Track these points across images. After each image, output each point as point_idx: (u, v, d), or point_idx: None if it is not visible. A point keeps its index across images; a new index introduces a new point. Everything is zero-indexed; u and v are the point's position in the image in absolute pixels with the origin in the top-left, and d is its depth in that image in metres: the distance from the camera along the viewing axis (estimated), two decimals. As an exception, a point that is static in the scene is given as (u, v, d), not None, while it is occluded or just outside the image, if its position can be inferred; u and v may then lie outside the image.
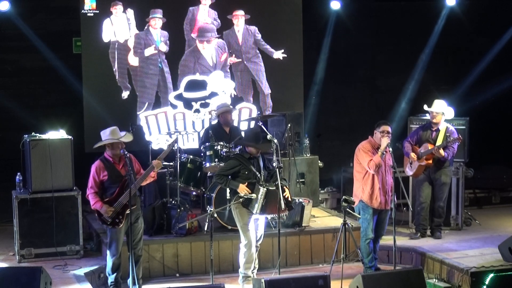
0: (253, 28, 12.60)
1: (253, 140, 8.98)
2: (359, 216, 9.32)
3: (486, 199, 12.64)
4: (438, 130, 10.29)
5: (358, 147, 9.20)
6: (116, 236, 8.62)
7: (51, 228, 9.65)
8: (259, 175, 8.89)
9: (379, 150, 8.99)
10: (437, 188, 10.41)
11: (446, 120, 10.45)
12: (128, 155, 8.52)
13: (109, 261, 8.71)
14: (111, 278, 8.74)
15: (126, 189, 8.45)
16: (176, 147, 10.09)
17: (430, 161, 10.26)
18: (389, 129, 9.07)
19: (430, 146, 10.21)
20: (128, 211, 8.51)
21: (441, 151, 10.11)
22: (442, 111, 10.28)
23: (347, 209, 9.27)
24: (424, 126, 10.50)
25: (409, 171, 10.48)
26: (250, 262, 8.87)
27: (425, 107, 10.40)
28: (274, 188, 8.79)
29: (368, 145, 9.13)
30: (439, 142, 10.20)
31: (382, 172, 9.07)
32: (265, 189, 8.75)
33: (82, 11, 11.81)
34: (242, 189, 8.77)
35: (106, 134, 8.63)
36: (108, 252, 8.74)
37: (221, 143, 10.18)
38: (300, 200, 10.34)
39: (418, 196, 10.54)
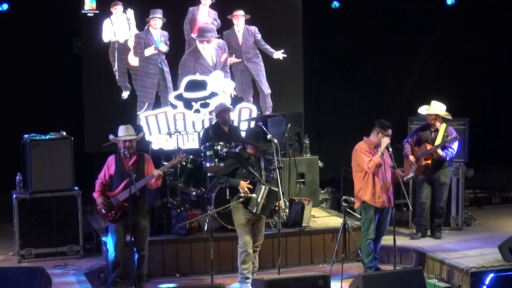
0: (253, 28, 12.60)
1: (253, 139, 9.00)
2: (359, 216, 9.31)
3: (486, 199, 12.65)
4: (437, 130, 10.29)
5: (355, 148, 9.16)
6: (112, 232, 8.65)
7: (51, 228, 9.64)
8: (257, 175, 8.90)
9: (379, 150, 8.98)
10: (436, 188, 10.41)
11: (446, 120, 10.46)
12: (127, 155, 8.56)
13: (108, 259, 8.74)
14: (110, 278, 8.76)
15: (128, 187, 8.49)
16: (176, 146, 10.11)
17: (429, 161, 10.26)
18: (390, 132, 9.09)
19: (429, 147, 10.22)
20: (126, 210, 8.52)
21: (439, 151, 10.11)
22: (435, 113, 10.27)
23: (347, 209, 9.28)
24: (423, 127, 10.50)
25: (410, 174, 10.46)
26: (248, 263, 8.86)
27: (419, 110, 10.42)
28: (276, 189, 8.80)
29: (365, 146, 9.12)
30: (437, 142, 10.20)
31: (382, 171, 9.06)
32: (267, 188, 8.76)
33: (82, 11, 11.81)
34: (243, 186, 8.77)
35: (119, 130, 8.76)
36: (107, 249, 8.77)
37: (221, 143, 10.19)
38: (300, 200, 10.35)
39: (418, 196, 10.54)
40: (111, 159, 8.77)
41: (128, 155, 8.58)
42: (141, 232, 8.71)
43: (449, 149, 10.18)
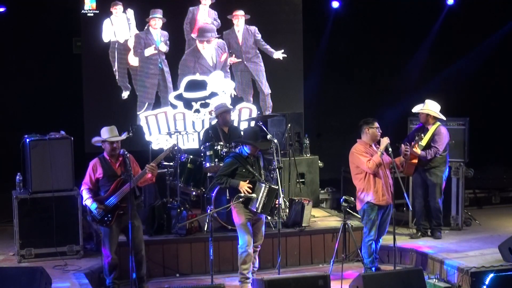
0: (253, 28, 12.61)
1: (251, 138, 8.99)
2: (359, 216, 9.31)
3: (486, 199, 12.65)
4: (427, 130, 10.29)
5: (351, 151, 9.14)
6: (108, 235, 8.61)
7: (51, 228, 9.63)
8: (257, 175, 8.90)
9: (379, 150, 8.97)
10: (430, 189, 10.40)
11: (446, 120, 10.47)
12: (128, 155, 8.54)
13: (105, 262, 8.72)
14: (108, 279, 8.75)
15: (120, 188, 8.47)
16: (175, 147, 10.10)
17: (415, 161, 10.25)
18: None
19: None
20: (121, 212, 8.52)
21: (416, 150, 10.07)
22: (425, 112, 10.26)
23: (347, 209, 9.27)
24: (420, 126, 10.51)
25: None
26: (248, 263, 8.86)
27: (413, 109, 10.43)
28: (276, 187, 8.80)
29: (360, 147, 9.10)
30: (424, 141, 10.18)
31: (382, 169, 9.03)
32: (267, 186, 8.76)
33: (82, 11, 11.82)
34: (243, 186, 8.77)
35: (105, 132, 8.66)
36: (102, 252, 8.77)
37: (221, 143, 10.19)
38: (300, 200, 10.35)
39: (414, 196, 10.56)
40: (95, 163, 8.65)
41: (127, 154, 8.56)
42: (137, 232, 8.68)
43: (432, 148, 10.16)
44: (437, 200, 10.37)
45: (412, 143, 10.11)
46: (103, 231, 8.69)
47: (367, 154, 9.01)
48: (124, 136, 8.83)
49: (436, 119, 10.31)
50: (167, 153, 8.92)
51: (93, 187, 8.63)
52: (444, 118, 10.36)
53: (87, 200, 8.58)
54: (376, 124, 9.07)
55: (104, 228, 8.63)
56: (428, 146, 10.17)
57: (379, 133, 9.06)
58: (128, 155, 8.55)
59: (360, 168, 9.05)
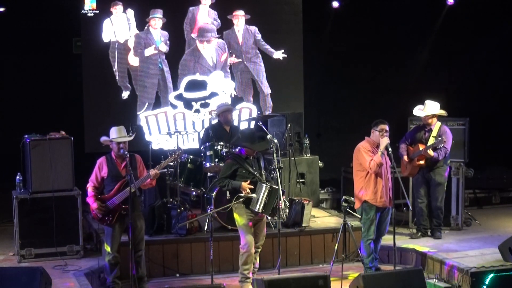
0: (253, 28, 12.60)
1: (247, 141, 8.97)
2: (359, 216, 9.31)
3: (486, 199, 12.65)
4: (430, 130, 10.29)
5: (357, 147, 9.16)
6: (110, 235, 8.63)
7: (51, 228, 9.65)
8: (258, 175, 8.90)
9: (379, 149, 8.97)
10: (432, 188, 10.41)
11: (446, 120, 10.46)
12: (128, 156, 8.53)
13: (106, 261, 8.73)
14: (109, 279, 8.75)
15: (123, 189, 8.48)
16: (176, 146, 10.10)
17: (422, 162, 10.26)
18: (387, 127, 9.04)
19: (421, 147, 10.22)
20: (123, 212, 8.52)
21: (430, 152, 10.11)
22: (432, 114, 10.27)
23: (347, 209, 9.27)
24: (419, 127, 10.51)
25: (404, 172, 10.51)
26: (249, 264, 8.86)
27: (414, 112, 10.42)
28: (277, 187, 8.80)
29: (367, 145, 9.11)
30: (430, 142, 10.20)
31: (384, 170, 9.04)
32: (268, 186, 8.75)
33: (82, 11, 11.81)
34: (245, 187, 8.76)
35: (113, 132, 8.68)
36: (103, 251, 8.77)
37: (221, 143, 10.18)
38: (300, 200, 10.35)
39: (416, 196, 10.56)
40: (101, 161, 8.69)
41: (127, 155, 8.55)
42: (139, 233, 8.70)
43: (442, 149, 10.17)
44: (440, 199, 10.38)
45: (425, 147, 10.12)
46: (105, 230, 8.72)
47: (372, 154, 9.02)
48: (131, 136, 8.82)
49: (438, 118, 10.34)
50: (172, 160, 8.94)
51: (98, 185, 8.67)
52: (446, 114, 10.41)
53: (90, 198, 8.64)
54: (381, 127, 8.98)
55: (106, 227, 8.66)
56: (431, 147, 10.18)
57: (384, 136, 9.00)
58: (127, 155, 8.54)
59: (363, 166, 9.05)
